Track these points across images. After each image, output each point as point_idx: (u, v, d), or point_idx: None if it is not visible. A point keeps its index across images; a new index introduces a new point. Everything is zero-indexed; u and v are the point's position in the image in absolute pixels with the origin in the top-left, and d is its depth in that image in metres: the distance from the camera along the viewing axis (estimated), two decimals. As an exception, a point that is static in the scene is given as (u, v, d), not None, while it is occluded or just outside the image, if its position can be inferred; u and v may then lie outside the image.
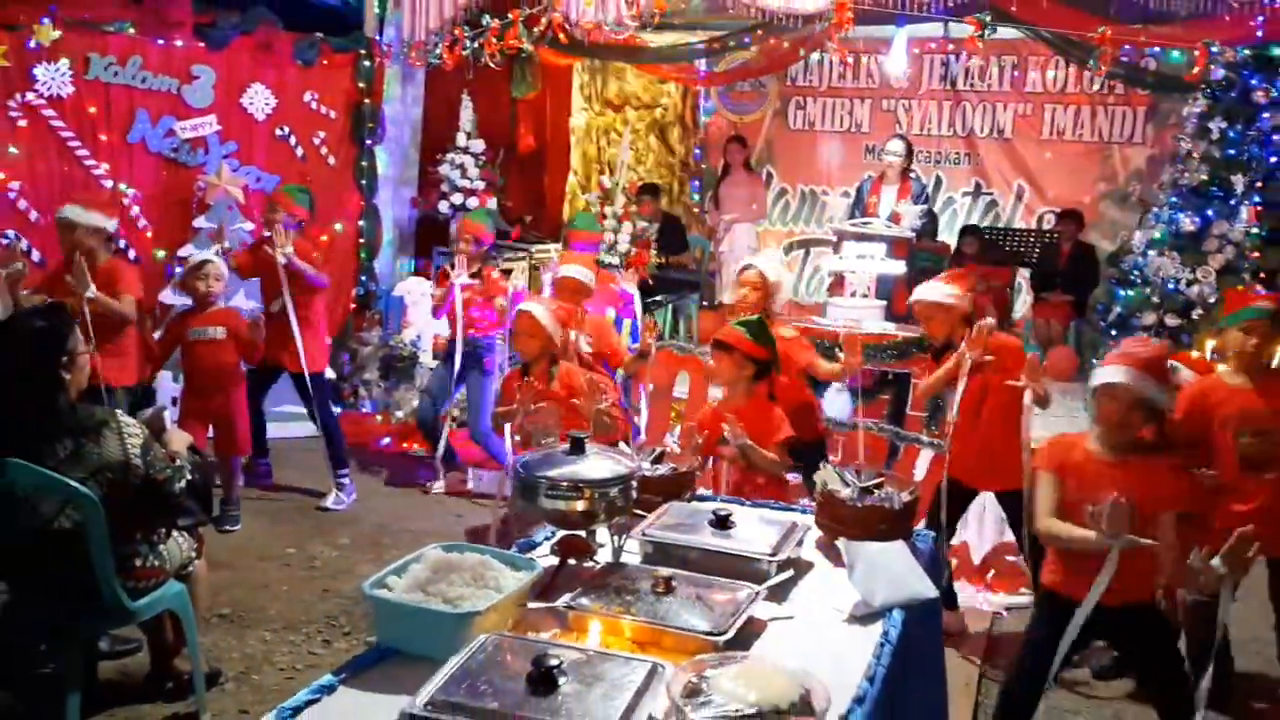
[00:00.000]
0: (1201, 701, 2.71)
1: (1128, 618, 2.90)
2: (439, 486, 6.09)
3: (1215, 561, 2.52)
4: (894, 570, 2.34)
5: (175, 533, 3.31)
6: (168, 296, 6.48)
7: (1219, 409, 3.72)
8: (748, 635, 2.10)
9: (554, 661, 1.74)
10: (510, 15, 6.10)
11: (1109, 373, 2.93)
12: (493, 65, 6.47)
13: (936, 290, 4.19)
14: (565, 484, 2.32)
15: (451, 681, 1.73)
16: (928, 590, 2.36)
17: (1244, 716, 3.90)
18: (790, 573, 2.41)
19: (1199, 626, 3.53)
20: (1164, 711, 3.01)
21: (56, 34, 6.34)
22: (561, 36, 6.12)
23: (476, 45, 6.38)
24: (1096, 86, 8.66)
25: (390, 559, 2.26)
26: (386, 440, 6.90)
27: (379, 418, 7.12)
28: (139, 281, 5.07)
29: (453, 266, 5.94)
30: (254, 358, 5.33)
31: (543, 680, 1.71)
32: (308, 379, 5.61)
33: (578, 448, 2.42)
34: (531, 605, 2.18)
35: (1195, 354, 5.96)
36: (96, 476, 2.92)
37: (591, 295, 5.51)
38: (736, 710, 1.69)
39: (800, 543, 2.56)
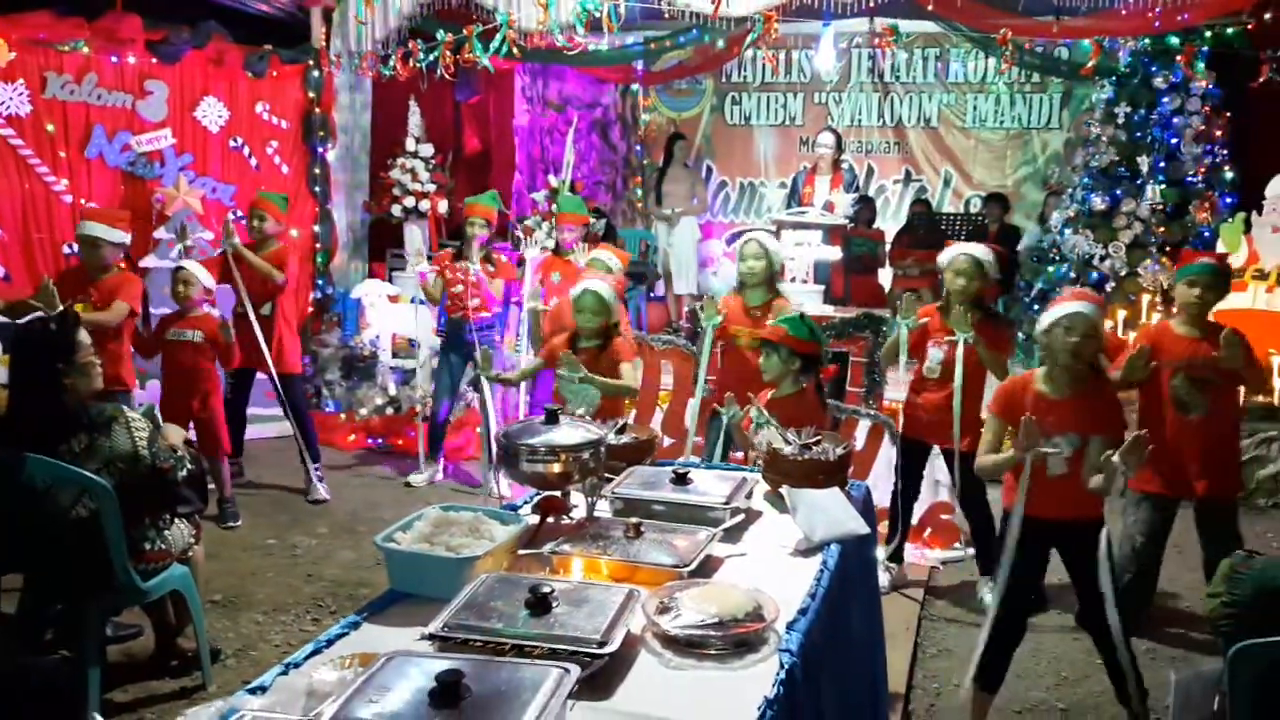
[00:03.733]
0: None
1: (1077, 531, 3.26)
2: (421, 479, 6.29)
3: (1115, 458, 2.96)
4: (831, 512, 2.70)
5: (177, 520, 3.57)
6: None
7: (1165, 353, 4.13)
8: (708, 569, 2.44)
9: (548, 589, 2.06)
10: (465, 30, 6.34)
11: (1068, 306, 3.27)
12: (448, 76, 6.72)
13: (977, 248, 4.54)
14: (544, 449, 2.65)
15: (462, 609, 2.05)
16: (860, 528, 2.72)
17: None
18: (742, 517, 2.76)
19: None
20: (1088, 617, 3.38)
21: (12, 54, 6.51)
22: (515, 51, 6.39)
23: (431, 59, 6.63)
24: (1001, 79, 9.14)
25: (367, 544, 2.53)
26: (352, 437, 7.16)
27: (343, 416, 7.36)
28: (139, 295, 5.20)
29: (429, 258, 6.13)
30: (230, 362, 5.49)
31: (539, 604, 2.03)
32: (287, 379, 5.86)
33: (551, 419, 2.75)
34: (520, 553, 2.51)
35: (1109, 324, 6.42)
36: (109, 467, 3.18)
37: (618, 278, 5.54)
38: (700, 620, 2.05)
39: (750, 494, 2.91)
